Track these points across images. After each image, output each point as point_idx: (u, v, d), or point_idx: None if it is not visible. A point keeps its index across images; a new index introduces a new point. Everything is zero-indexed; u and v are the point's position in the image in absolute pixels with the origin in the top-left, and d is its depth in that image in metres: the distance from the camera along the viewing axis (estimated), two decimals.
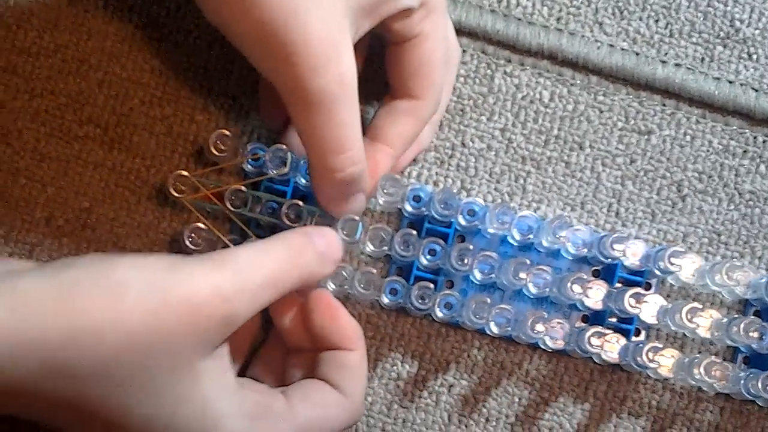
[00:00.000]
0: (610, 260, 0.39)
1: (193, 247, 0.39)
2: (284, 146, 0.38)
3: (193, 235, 0.39)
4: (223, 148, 0.39)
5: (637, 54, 0.42)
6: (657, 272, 0.39)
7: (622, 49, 0.42)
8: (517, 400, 0.40)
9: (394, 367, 0.40)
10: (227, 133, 0.39)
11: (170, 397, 0.30)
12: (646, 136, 0.42)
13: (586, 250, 0.39)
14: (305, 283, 0.34)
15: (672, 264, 0.38)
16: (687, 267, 0.40)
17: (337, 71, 0.32)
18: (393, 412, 0.40)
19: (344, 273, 0.38)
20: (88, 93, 0.41)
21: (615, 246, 0.39)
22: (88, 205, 0.40)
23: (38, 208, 0.40)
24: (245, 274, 0.31)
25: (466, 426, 0.40)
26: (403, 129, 0.37)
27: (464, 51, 0.41)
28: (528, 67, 0.42)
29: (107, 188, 0.40)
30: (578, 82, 0.42)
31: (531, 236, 0.39)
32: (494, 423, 0.40)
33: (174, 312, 0.29)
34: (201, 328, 0.30)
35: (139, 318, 0.29)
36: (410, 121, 0.37)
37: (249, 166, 0.39)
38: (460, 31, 0.41)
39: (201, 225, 0.39)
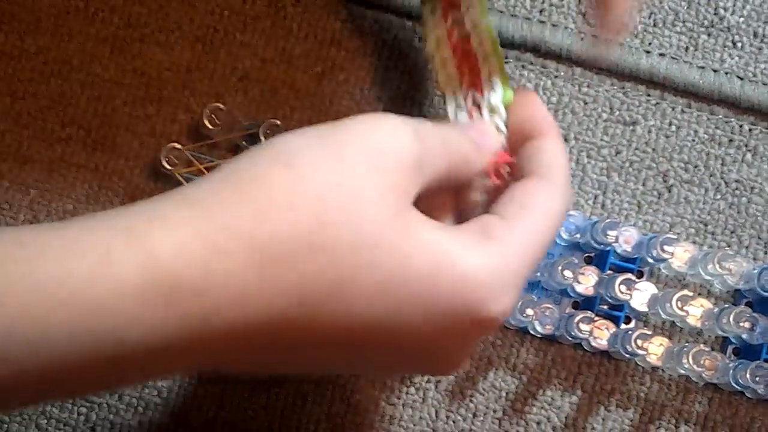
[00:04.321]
0: (602, 246, 0.39)
1: None
2: (278, 122, 0.38)
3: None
4: (217, 122, 0.39)
5: (621, 44, 0.42)
6: (649, 260, 0.39)
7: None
8: (504, 394, 0.40)
9: None
10: (222, 106, 0.39)
11: (398, 256, 0.28)
12: (631, 127, 0.41)
13: (579, 235, 0.39)
14: (456, 171, 0.31)
15: (664, 251, 0.38)
16: (679, 255, 0.39)
17: None
18: (380, 409, 0.40)
19: None
20: (71, 95, 0.40)
21: (608, 232, 0.38)
22: (72, 207, 0.40)
23: (22, 211, 0.40)
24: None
25: (453, 422, 0.40)
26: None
27: None
28: (511, 60, 0.41)
29: (91, 190, 0.40)
30: (562, 74, 0.41)
31: None
32: (482, 418, 0.40)
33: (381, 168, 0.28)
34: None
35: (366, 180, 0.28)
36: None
37: (244, 143, 0.39)
38: None
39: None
